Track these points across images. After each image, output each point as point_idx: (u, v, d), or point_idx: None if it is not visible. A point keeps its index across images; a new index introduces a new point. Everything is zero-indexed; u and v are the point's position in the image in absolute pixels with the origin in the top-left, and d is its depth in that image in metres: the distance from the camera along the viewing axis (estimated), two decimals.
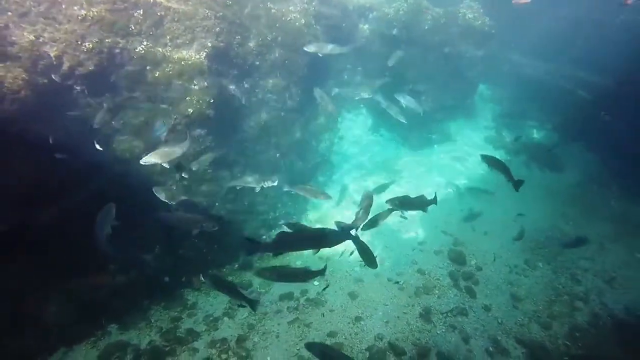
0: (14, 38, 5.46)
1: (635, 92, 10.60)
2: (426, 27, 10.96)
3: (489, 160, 6.41)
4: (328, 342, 6.27)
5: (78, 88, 6.06)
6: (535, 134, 12.72)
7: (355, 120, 11.52)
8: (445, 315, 6.81)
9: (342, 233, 5.04)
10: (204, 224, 5.37)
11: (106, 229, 5.00)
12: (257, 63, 8.33)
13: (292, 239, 4.87)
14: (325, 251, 8.10)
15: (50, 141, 5.08)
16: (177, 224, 6.31)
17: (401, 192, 9.92)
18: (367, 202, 6.27)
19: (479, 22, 11.44)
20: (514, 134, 12.43)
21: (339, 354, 5.11)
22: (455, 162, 11.20)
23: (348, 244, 5.19)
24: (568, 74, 13.49)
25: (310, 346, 5.00)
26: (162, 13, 6.97)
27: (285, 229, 5.93)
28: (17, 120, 5.15)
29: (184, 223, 5.86)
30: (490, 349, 6.31)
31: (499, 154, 11.70)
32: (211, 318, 6.79)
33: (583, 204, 9.78)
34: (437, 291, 7.27)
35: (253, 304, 5.56)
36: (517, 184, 6.15)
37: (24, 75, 5.29)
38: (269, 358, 6.07)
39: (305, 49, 7.95)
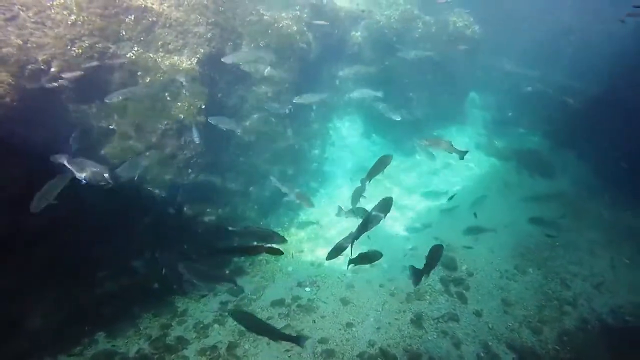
0: (0, 42, 5.40)
1: (624, 100, 10.83)
2: (417, 35, 11.11)
3: (429, 141, 7.20)
4: (319, 349, 6.23)
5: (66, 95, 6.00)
6: (526, 141, 12.90)
7: (347, 126, 11.56)
8: (436, 321, 6.81)
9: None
10: (276, 238, 5.39)
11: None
12: (250, 69, 8.35)
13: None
14: (318, 258, 8.13)
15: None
16: (247, 238, 6.25)
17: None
18: (379, 164, 6.50)
19: (469, 30, 11.63)
20: (505, 140, 12.61)
21: (261, 322, 5.21)
22: (445, 168, 11.29)
23: None
24: (557, 82, 13.76)
25: (234, 314, 5.41)
26: (154, 19, 6.97)
27: None
28: (2, 124, 5.08)
29: (255, 237, 5.84)
30: (482, 354, 6.31)
31: (490, 160, 11.85)
32: (201, 325, 6.70)
33: (573, 210, 9.90)
34: (428, 297, 7.28)
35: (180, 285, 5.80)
36: (462, 154, 6.92)
37: (10, 80, 5.22)
38: None
39: (223, 59, 7.19)
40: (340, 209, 7.62)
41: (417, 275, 5.56)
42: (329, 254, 5.93)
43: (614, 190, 10.42)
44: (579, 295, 7.48)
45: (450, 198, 8.76)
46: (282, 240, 5.49)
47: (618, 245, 8.78)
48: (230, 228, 6.12)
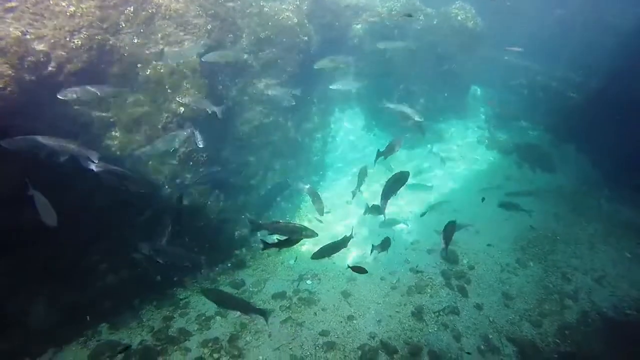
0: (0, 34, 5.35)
1: (625, 94, 10.76)
2: (418, 27, 11.01)
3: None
4: (320, 341, 6.27)
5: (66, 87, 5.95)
6: (527, 135, 12.84)
7: (348, 120, 11.52)
8: (437, 314, 6.84)
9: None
10: (305, 232, 5.50)
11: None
12: (250, 62, 8.30)
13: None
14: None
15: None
16: (278, 233, 6.37)
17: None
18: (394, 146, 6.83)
19: (471, 22, 11.52)
20: (506, 134, 12.55)
21: (232, 297, 5.56)
22: (447, 162, 11.24)
23: None
24: (559, 75, 13.66)
25: (206, 292, 5.69)
26: (153, 10, 6.91)
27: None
28: (1, 116, 5.05)
29: (287, 232, 5.95)
30: (482, 347, 6.34)
31: (491, 154, 11.81)
32: (203, 317, 6.74)
33: (574, 204, 9.89)
34: (429, 290, 7.30)
35: None
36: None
37: (9, 72, 5.18)
38: (260, 357, 6.05)
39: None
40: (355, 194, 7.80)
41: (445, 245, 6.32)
42: (314, 254, 5.98)
43: (613, 184, 10.40)
44: (580, 288, 7.49)
45: (423, 215, 8.70)
46: (313, 234, 5.49)
47: (618, 239, 8.77)
48: (261, 222, 6.12)
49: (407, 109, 8.59)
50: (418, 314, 6.79)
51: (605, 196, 10.22)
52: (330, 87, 8.65)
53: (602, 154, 11.03)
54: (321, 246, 6.05)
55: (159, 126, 6.83)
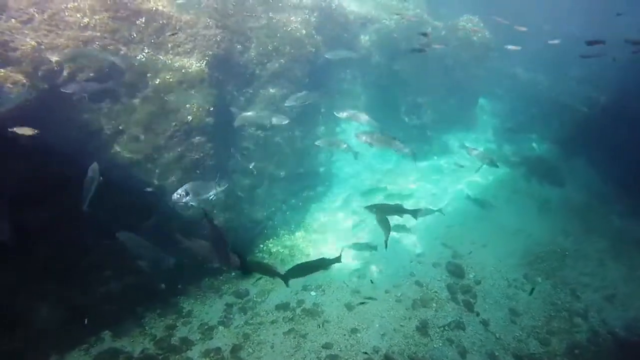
0: (16, 44, 5.51)
1: (635, 108, 10.65)
2: (426, 40, 11.05)
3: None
4: (323, 354, 6.19)
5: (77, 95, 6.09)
6: (536, 148, 12.72)
7: (354, 131, 11.52)
8: (442, 329, 6.72)
9: None
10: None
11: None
12: (258, 72, 8.40)
13: None
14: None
15: None
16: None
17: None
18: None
19: (479, 35, 11.55)
20: (514, 147, 12.44)
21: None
22: (453, 174, 11.16)
23: None
24: (569, 88, 13.58)
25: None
26: (164, 21, 7.06)
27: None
28: (15, 124, 5.16)
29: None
30: None
31: (499, 167, 11.70)
32: (206, 327, 6.71)
33: (583, 220, 9.70)
34: (434, 304, 7.19)
35: None
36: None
37: (24, 81, 5.32)
38: None
39: None
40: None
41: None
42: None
43: (625, 199, 10.20)
44: (590, 306, 7.31)
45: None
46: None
47: (630, 256, 8.57)
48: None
49: (482, 153, 8.41)
50: (423, 328, 6.67)
51: (617, 211, 10.03)
52: (285, 104, 8.13)
53: (614, 167, 10.85)
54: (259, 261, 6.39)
55: (167, 134, 6.92)
